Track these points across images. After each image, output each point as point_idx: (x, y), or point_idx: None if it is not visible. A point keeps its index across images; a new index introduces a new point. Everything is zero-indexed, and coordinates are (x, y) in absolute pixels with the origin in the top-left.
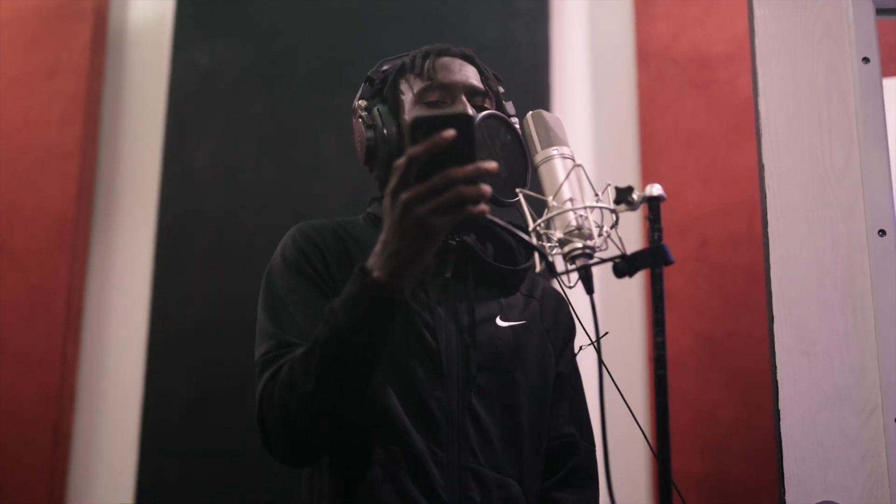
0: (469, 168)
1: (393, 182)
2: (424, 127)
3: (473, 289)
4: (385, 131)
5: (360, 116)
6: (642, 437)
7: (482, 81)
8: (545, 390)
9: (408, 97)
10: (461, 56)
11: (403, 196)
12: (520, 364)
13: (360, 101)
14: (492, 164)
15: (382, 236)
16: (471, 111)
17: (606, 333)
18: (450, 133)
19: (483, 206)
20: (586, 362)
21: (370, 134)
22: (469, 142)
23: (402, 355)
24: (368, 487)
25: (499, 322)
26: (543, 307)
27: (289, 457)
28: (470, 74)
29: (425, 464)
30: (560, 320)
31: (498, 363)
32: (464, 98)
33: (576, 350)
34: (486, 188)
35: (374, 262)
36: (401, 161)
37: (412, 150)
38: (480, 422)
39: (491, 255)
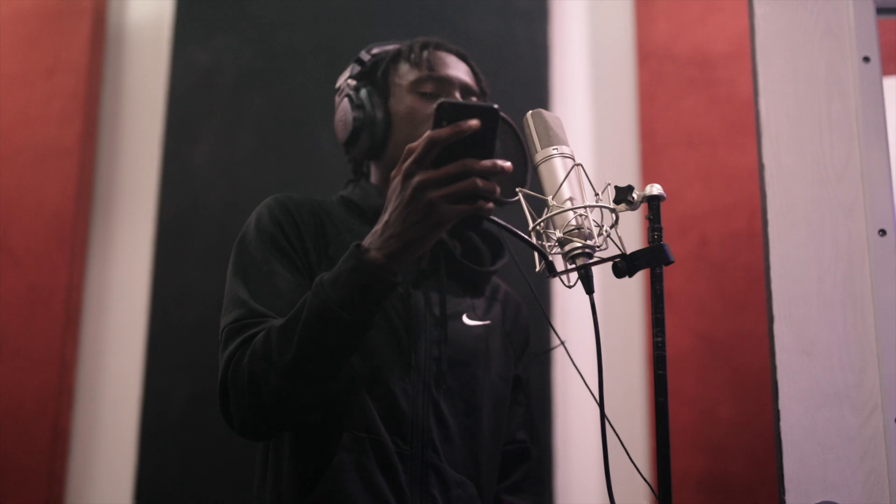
0: (487, 162)
1: (408, 162)
2: (450, 112)
3: (445, 284)
4: (373, 114)
5: (348, 95)
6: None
7: (475, 82)
8: (504, 393)
9: (401, 84)
10: (457, 54)
11: (418, 178)
12: (483, 363)
13: (348, 81)
14: (507, 164)
15: (385, 217)
16: (495, 105)
17: (564, 342)
18: (474, 123)
19: (491, 204)
20: (586, 362)
21: (357, 114)
22: (491, 136)
23: (372, 344)
24: (334, 471)
25: (465, 320)
26: (505, 310)
27: (248, 429)
28: (464, 72)
29: (389, 455)
30: (519, 324)
31: (463, 360)
32: (457, 94)
33: (543, 350)
34: (497, 186)
35: (371, 241)
36: (417, 143)
37: (435, 133)
38: (443, 418)
39: (459, 254)
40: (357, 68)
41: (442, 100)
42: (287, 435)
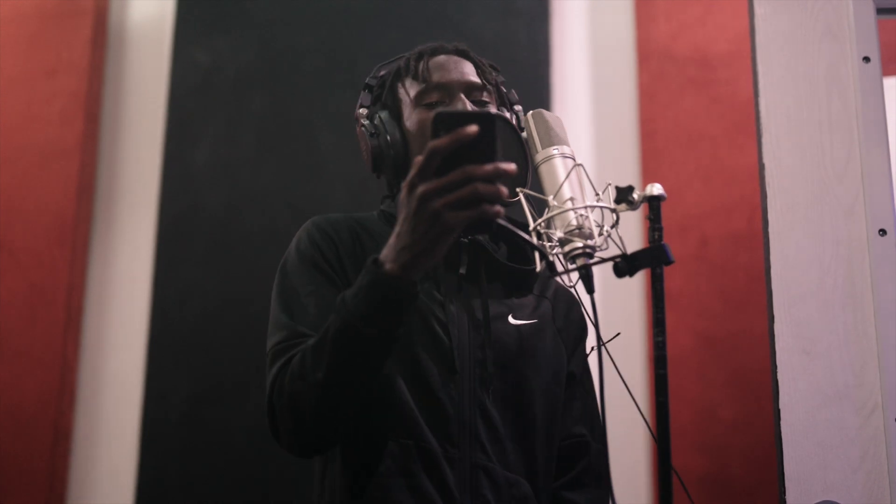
0: (488, 167)
1: (411, 174)
2: (447, 122)
3: (486, 287)
4: (388, 137)
5: (363, 125)
6: (642, 435)
7: (479, 75)
8: (557, 390)
9: (407, 101)
10: (455, 52)
11: (420, 188)
12: (531, 363)
13: (360, 110)
14: (511, 166)
15: (396, 228)
16: (493, 111)
17: (619, 334)
18: (473, 129)
19: (498, 208)
20: (589, 361)
21: (374, 142)
22: (490, 141)
23: (414, 351)
24: (381, 481)
25: (510, 320)
26: (556, 307)
27: (295, 447)
28: (466, 70)
29: (437, 459)
30: (572, 320)
31: (509, 361)
32: (462, 96)
33: (587, 351)
34: (504, 189)
35: (386, 254)
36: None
37: (434, 143)
38: (491, 420)
39: (504, 255)
40: (367, 95)
41: (438, 110)
42: (337, 445)
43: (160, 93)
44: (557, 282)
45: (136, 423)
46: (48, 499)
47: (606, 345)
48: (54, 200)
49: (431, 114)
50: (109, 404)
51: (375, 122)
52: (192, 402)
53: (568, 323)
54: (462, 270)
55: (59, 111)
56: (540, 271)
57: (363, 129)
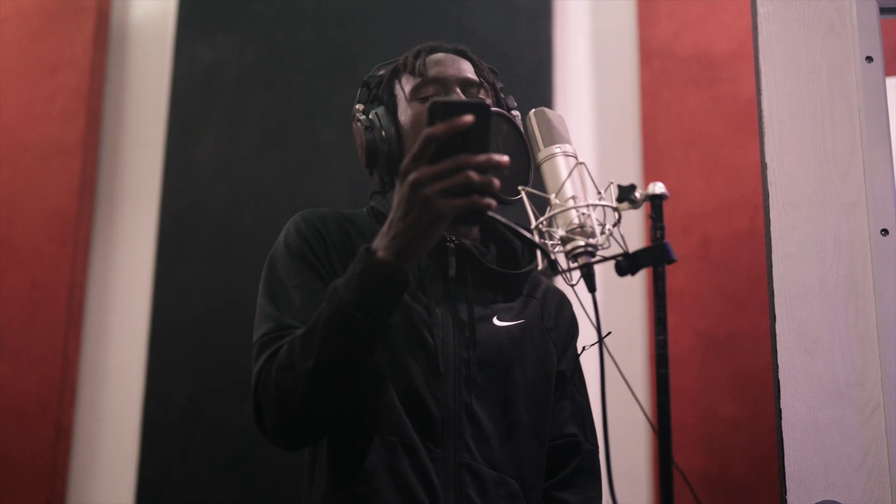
0: (481, 157)
1: (405, 161)
2: (443, 110)
3: (472, 290)
4: (383, 132)
5: (359, 120)
6: (643, 435)
7: (476, 73)
8: (546, 389)
9: (403, 95)
10: (453, 52)
11: (413, 175)
12: (517, 363)
13: (357, 106)
14: (504, 158)
15: (390, 216)
16: (487, 101)
17: (609, 333)
18: (468, 118)
19: (489, 200)
20: (588, 360)
21: (369, 136)
22: (484, 131)
23: (400, 353)
24: (367, 476)
25: (496, 322)
26: (545, 307)
27: (282, 439)
28: (464, 67)
29: (421, 457)
30: (562, 320)
31: (495, 362)
32: (458, 90)
33: (578, 351)
34: (496, 180)
35: (379, 242)
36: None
37: (429, 130)
38: (477, 420)
39: (494, 257)
40: (364, 91)
41: (434, 99)
42: (325, 440)
43: (162, 90)
44: (547, 282)
45: (136, 420)
46: (49, 496)
47: (604, 343)
48: (56, 198)
49: (426, 106)
50: (110, 402)
51: (371, 116)
52: (193, 400)
53: (558, 323)
54: (451, 273)
55: (60, 109)
56: (530, 273)
57: (359, 124)
